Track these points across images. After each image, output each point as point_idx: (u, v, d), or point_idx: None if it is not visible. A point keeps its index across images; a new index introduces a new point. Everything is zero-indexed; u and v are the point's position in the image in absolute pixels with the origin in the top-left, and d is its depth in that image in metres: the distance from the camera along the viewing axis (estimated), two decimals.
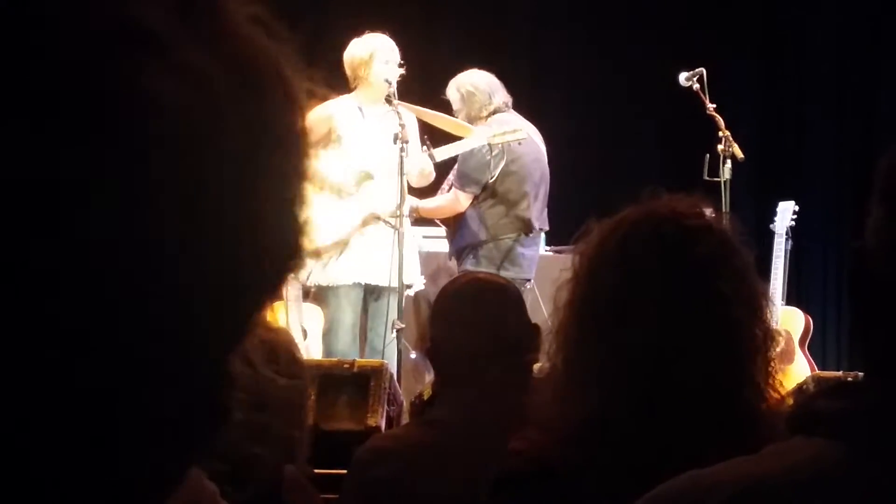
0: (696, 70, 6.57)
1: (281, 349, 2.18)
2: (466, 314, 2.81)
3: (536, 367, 2.75)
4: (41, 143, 0.52)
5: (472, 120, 6.34)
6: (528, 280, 6.25)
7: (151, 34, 0.55)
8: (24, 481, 0.55)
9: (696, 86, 6.56)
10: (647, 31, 8.81)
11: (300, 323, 5.98)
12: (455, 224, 6.43)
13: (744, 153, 6.51)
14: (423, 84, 6.82)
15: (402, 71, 6.12)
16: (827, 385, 1.17)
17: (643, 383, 1.82)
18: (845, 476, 1.04)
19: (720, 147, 6.46)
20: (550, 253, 6.78)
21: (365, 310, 6.17)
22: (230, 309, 0.59)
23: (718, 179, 6.38)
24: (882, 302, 1.08)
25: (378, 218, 6.08)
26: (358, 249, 6.04)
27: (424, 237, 6.91)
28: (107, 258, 0.53)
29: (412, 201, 6.31)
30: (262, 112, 0.59)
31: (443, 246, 6.70)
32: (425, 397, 4.15)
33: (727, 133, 6.48)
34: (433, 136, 6.31)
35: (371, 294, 6.13)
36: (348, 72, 6.12)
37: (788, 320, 7.02)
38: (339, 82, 6.00)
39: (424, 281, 6.36)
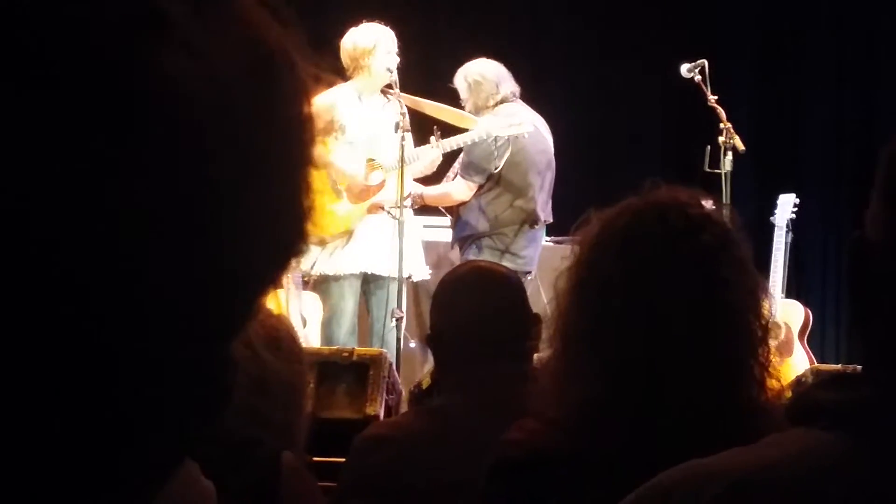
0: (698, 62, 6.57)
1: (281, 336, 2.18)
2: (467, 303, 2.81)
3: (536, 356, 2.75)
4: (60, 122, 0.52)
5: (479, 109, 6.34)
6: (530, 272, 6.25)
7: (166, 18, 0.55)
8: (22, 464, 0.55)
9: (698, 77, 6.56)
10: (649, 22, 8.80)
11: (299, 311, 5.99)
12: (458, 213, 6.44)
13: (745, 145, 6.50)
14: (423, 75, 6.81)
15: (398, 60, 6.12)
16: (826, 376, 1.17)
17: (643, 372, 1.83)
18: (844, 467, 1.04)
19: (721, 139, 6.45)
20: (551, 244, 6.78)
21: (367, 299, 6.18)
22: (235, 294, 0.59)
23: (719, 171, 6.37)
24: (881, 293, 1.08)
25: (380, 207, 6.08)
26: (360, 239, 6.05)
27: (426, 226, 6.92)
28: (113, 237, 0.53)
29: (417, 188, 6.32)
30: (271, 98, 0.59)
31: (445, 235, 6.70)
32: (424, 386, 4.16)
33: (728, 125, 6.48)
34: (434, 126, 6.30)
35: (374, 283, 6.13)
36: (347, 60, 6.10)
37: (788, 313, 7.02)
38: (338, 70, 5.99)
39: (430, 272, 6.36)
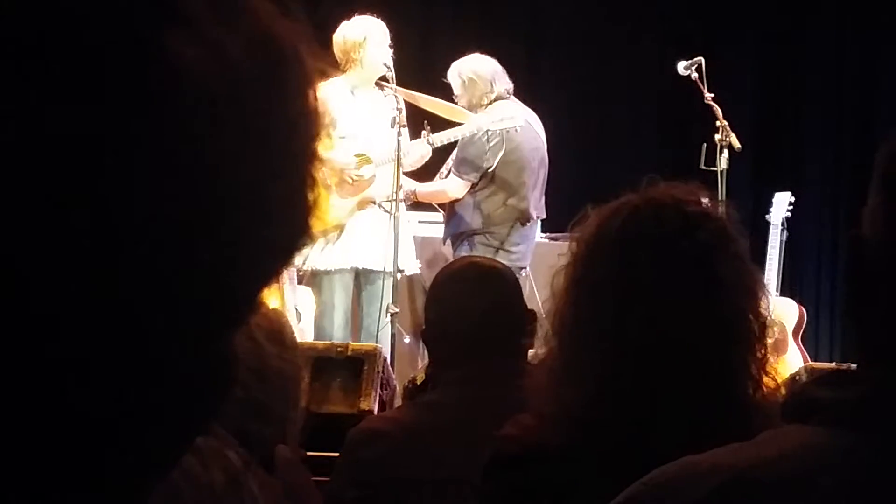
0: (695, 59, 6.57)
1: (283, 329, 2.19)
2: (462, 298, 2.81)
3: (531, 352, 2.75)
4: (66, 107, 0.52)
5: (472, 106, 6.34)
6: (524, 268, 6.25)
7: (182, 8, 0.55)
8: (21, 460, 0.54)
9: (695, 75, 6.56)
10: (646, 19, 8.80)
11: (294, 305, 5.98)
12: (452, 210, 6.44)
13: (741, 143, 6.51)
14: (419, 69, 6.81)
15: (391, 53, 6.11)
16: (822, 373, 1.17)
17: (638, 369, 1.82)
18: (840, 463, 1.04)
19: (717, 136, 6.46)
20: (547, 240, 6.79)
21: (358, 294, 6.18)
22: (238, 286, 0.59)
23: (715, 169, 6.38)
24: (877, 290, 1.08)
25: (373, 202, 6.08)
26: (353, 234, 6.05)
27: (420, 222, 6.92)
28: (116, 226, 0.53)
29: (411, 184, 6.32)
30: (280, 91, 0.59)
31: (439, 231, 6.70)
32: (419, 381, 4.16)
33: (725, 122, 6.48)
34: (430, 122, 6.30)
35: (365, 278, 6.13)
36: (339, 54, 6.09)
37: (782, 311, 7.03)
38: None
39: (420, 266, 6.36)
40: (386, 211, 5.98)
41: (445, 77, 6.45)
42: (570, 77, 8.75)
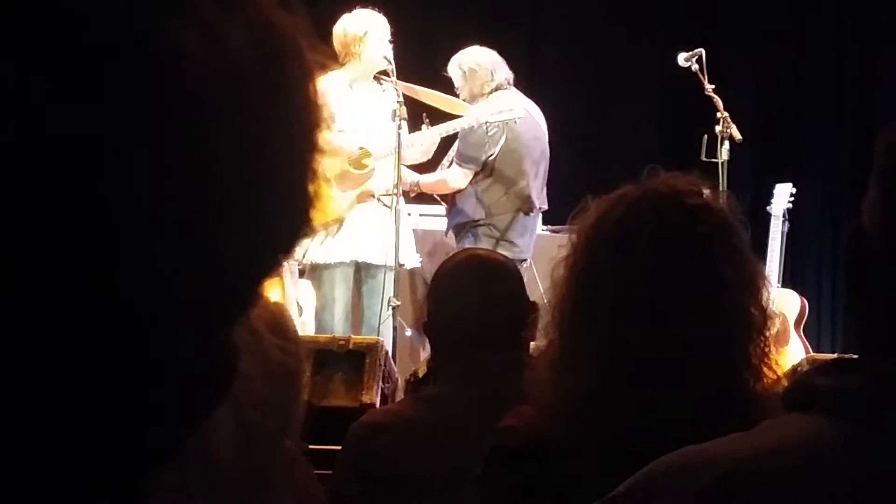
0: (695, 50, 6.56)
1: (286, 322, 2.19)
2: (464, 290, 2.81)
3: (533, 345, 2.75)
4: (70, 100, 0.52)
5: (473, 97, 6.34)
6: (525, 260, 6.25)
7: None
8: (21, 460, 0.55)
9: (695, 66, 6.55)
10: (647, 11, 8.79)
11: (295, 299, 5.98)
12: (454, 201, 6.45)
13: (742, 134, 6.50)
14: (419, 63, 6.80)
15: (391, 47, 6.10)
16: (822, 362, 1.17)
17: (639, 360, 1.82)
18: (840, 453, 1.04)
19: (718, 128, 6.45)
20: (548, 232, 6.78)
21: (358, 288, 6.18)
22: (239, 279, 0.59)
23: (716, 160, 6.37)
24: (878, 280, 1.08)
25: (373, 196, 6.08)
26: (353, 227, 6.05)
27: (422, 215, 6.92)
28: (116, 220, 0.53)
29: (413, 176, 6.32)
30: (282, 83, 0.59)
31: (440, 224, 6.70)
32: (420, 375, 4.16)
33: (725, 114, 6.47)
34: (429, 115, 6.30)
35: (366, 272, 6.13)
36: (339, 47, 6.07)
37: (784, 302, 7.03)
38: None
39: (421, 259, 6.36)
40: (385, 205, 5.98)
41: (446, 71, 6.45)
42: (571, 70, 8.74)
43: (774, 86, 9.06)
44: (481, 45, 6.52)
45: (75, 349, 0.54)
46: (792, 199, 7.25)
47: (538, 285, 4.95)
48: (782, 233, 7.12)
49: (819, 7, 9.03)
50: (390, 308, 5.87)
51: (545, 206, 6.52)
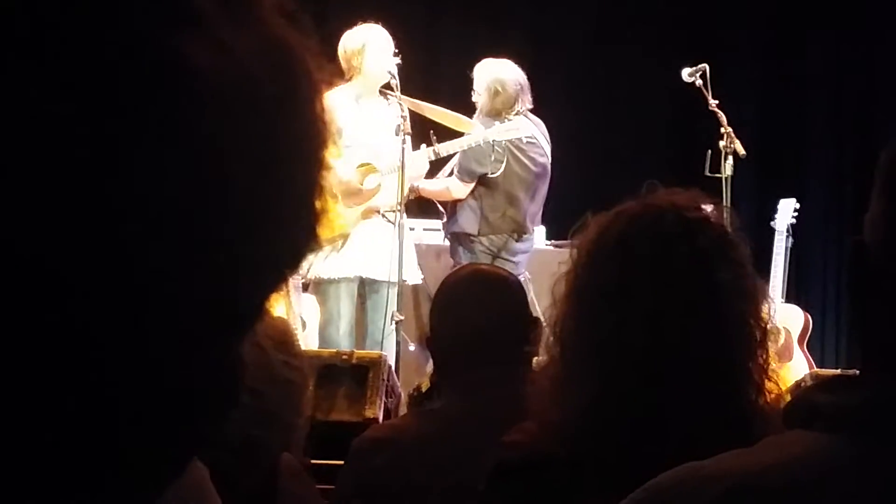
0: (699, 66, 6.57)
1: (283, 338, 2.19)
2: (467, 305, 2.81)
3: (535, 360, 2.75)
4: (81, 109, 0.52)
5: (488, 113, 6.34)
6: (521, 274, 6.26)
7: (201, 14, 0.56)
8: (27, 464, 0.55)
9: (699, 81, 6.56)
10: (651, 26, 8.80)
11: (299, 314, 5.99)
12: (453, 210, 6.46)
13: (746, 150, 6.51)
14: (423, 76, 6.81)
15: (397, 60, 6.10)
16: (824, 378, 1.17)
17: (641, 375, 1.82)
18: (842, 469, 1.04)
19: (722, 143, 6.46)
20: (550, 248, 6.79)
21: (362, 303, 6.18)
22: (245, 293, 0.59)
23: (720, 175, 6.38)
24: (880, 296, 1.08)
25: (377, 212, 6.09)
26: (357, 243, 6.05)
27: (425, 229, 6.92)
28: (123, 232, 0.53)
29: (414, 181, 6.32)
30: (291, 98, 0.59)
31: (442, 238, 6.71)
32: (424, 389, 4.16)
33: (729, 129, 6.48)
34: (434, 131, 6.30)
35: (369, 287, 6.13)
36: (343, 63, 6.10)
37: (788, 318, 7.02)
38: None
39: (422, 276, 6.36)
40: (389, 221, 5.99)
41: (470, 72, 6.43)
42: (575, 85, 8.75)
43: (778, 101, 9.07)
44: (482, 59, 6.52)
45: (78, 359, 0.54)
46: (796, 214, 7.25)
47: (535, 302, 4.95)
48: (786, 248, 7.12)
49: (820, 23, 9.03)
50: (394, 323, 5.87)
51: (538, 224, 6.57)
